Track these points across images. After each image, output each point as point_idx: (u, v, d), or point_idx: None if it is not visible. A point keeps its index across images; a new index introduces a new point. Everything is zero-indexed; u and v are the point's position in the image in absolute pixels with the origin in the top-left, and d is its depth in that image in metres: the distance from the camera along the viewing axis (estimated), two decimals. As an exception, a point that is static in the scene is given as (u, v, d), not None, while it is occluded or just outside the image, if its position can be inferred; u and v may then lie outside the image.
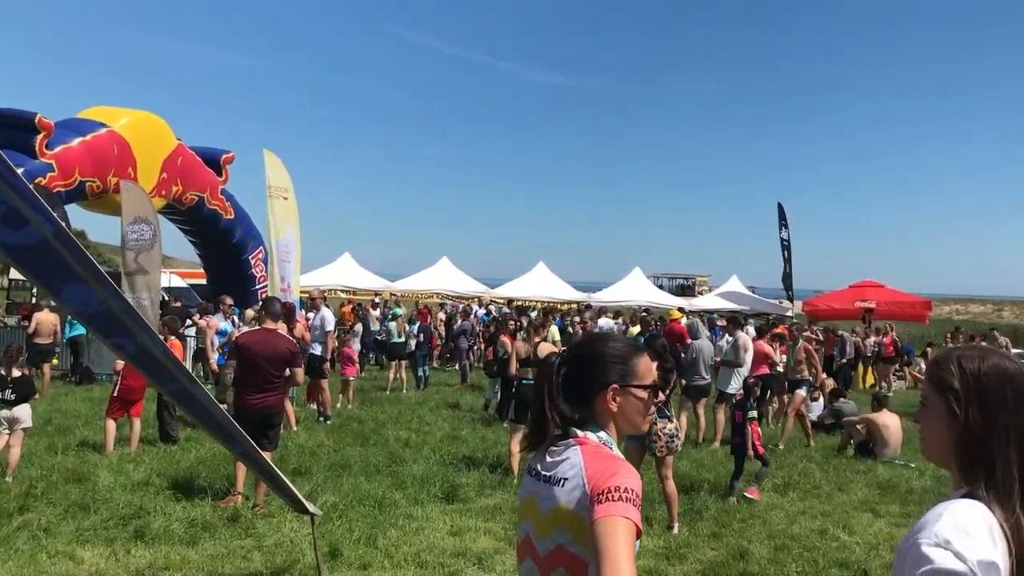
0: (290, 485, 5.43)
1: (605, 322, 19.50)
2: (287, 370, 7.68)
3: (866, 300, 21.07)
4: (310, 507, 5.68)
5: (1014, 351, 19.41)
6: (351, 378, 14.08)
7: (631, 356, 2.19)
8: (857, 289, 22.10)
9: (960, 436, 1.63)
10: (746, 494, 8.50)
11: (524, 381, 9.05)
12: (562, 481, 2.01)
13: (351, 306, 22.63)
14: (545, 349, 8.99)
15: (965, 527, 1.48)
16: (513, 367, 9.64)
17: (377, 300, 23.12)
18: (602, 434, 2.11)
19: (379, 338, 20.08)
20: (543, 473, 2.10)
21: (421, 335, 17.06)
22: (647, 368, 2.21)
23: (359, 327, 18.58)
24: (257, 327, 8.05)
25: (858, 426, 11.50)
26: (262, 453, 5.38)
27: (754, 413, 8.79)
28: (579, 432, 2.10)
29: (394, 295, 26.55)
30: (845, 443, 11.61)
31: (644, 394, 2.17)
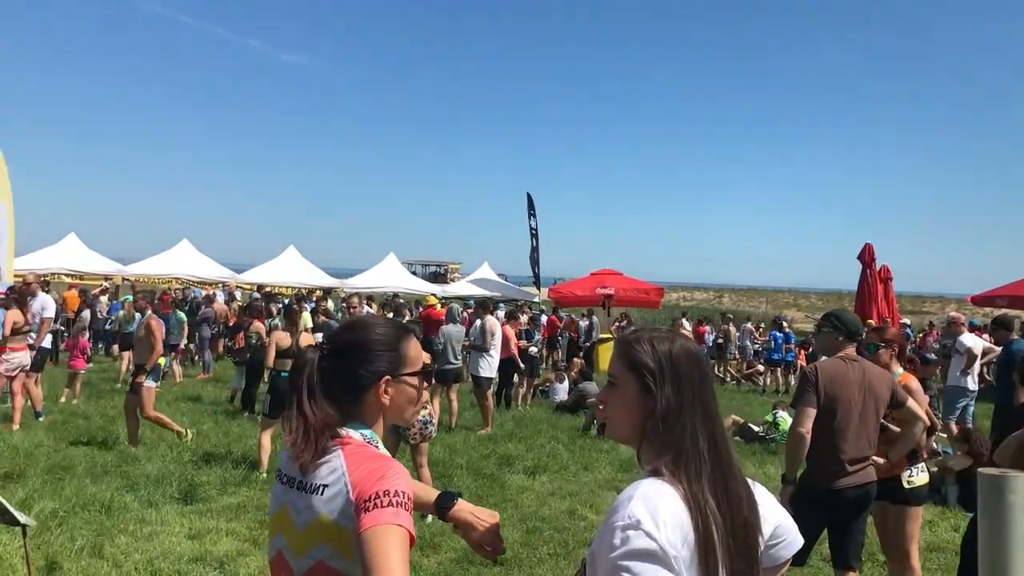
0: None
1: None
2: None
3: (606, 287, 22.06)
4: (20, 517, 4.98)
5: (735, 333, 21.34)
6: (81, 371, 12.87)
7: (400, 341, 1.95)
8: (598, 277, 23.08)
9: (653, 413, 1.65)
10: None
11: (282, 374, 8.60)
12: (321, 488, 1.73)
13: (76, 291, 20.69)
14: (307, 340, 8.61)
15: (655, 506, 1.50)
16: (271, 358, 9.09)
17: (107, 285, 21.33)
18: (366, 431, 1.85)
19: (108, 327, 18.58)
20: (297, 479, 1.81)
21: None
22: (417, 352, 1.98)
23: (86, 314, 17.07)
24: None
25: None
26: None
27: None
28: (340, 431, 1.82)
29: (127, 280, 24.60)
30: (589, 423, 12.11)
31: (416, 381, 1.96)
